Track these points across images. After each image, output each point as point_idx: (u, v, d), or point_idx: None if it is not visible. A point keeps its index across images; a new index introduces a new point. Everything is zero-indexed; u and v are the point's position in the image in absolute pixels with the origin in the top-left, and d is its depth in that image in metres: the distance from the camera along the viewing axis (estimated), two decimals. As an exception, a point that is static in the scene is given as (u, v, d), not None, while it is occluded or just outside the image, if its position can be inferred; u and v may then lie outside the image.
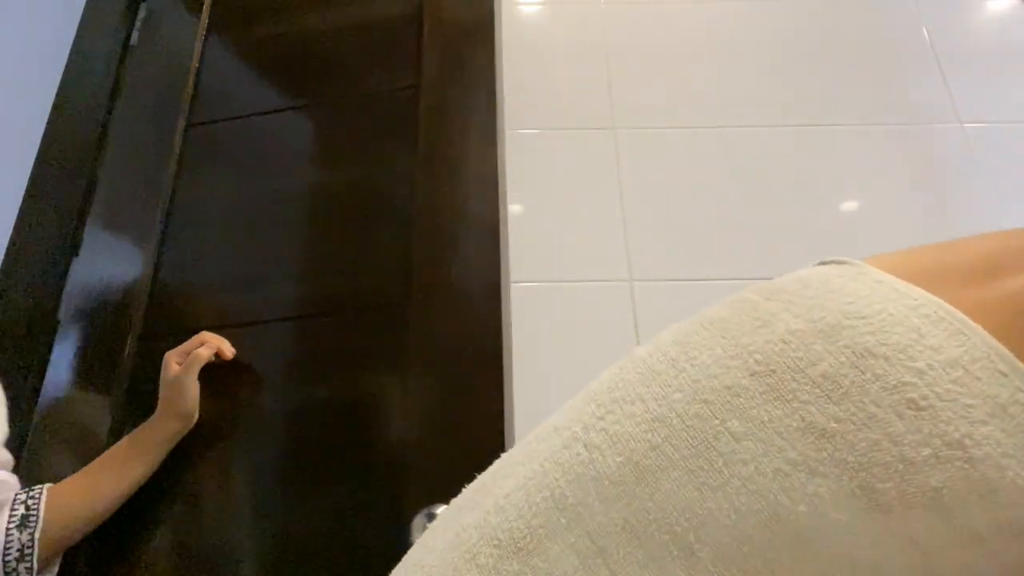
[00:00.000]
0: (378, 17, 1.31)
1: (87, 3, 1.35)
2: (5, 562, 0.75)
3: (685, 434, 0.30)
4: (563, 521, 0.31)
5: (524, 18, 1.35)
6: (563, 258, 1.14)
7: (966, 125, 1.24)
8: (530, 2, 1.38)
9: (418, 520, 0.85)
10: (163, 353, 0.95)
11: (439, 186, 1.13)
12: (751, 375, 0.30)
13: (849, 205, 1.19)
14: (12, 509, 0.77)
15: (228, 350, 0.97)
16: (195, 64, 1.29)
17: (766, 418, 0.29)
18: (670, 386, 0.32)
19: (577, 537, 0.31)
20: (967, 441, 0.27)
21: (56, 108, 1.24)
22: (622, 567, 0.29)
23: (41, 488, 0.81)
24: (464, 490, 0.39)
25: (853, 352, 0.29)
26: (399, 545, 0.84)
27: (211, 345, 0.95)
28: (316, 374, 1.04)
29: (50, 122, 1.22)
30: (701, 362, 0.32)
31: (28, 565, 0.75)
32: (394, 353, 1.02)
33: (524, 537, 0.32)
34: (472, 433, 0.97)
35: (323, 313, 1.07)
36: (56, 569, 0.83)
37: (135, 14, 1.38)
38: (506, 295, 1.08)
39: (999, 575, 0.28)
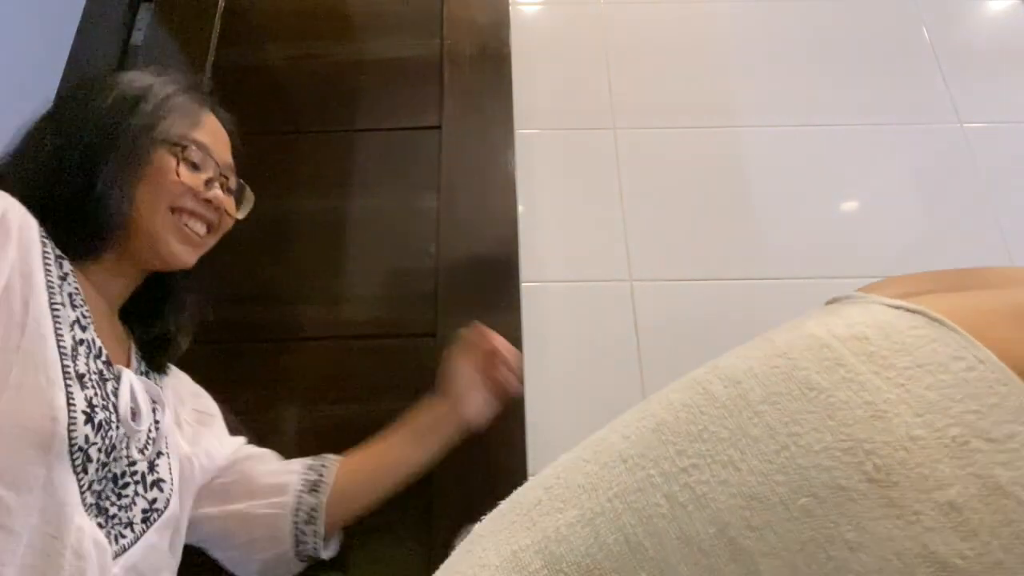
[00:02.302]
0: (399, 55, 1.32)
1: (87, 3, 1.35)
2: (295, 523, 0.79)
3: (791, 525, 0.29)
4: (643, 574, 0.30)
5: (524, 19, 1.35)
6: (563, 258, 1.14)
7: (966, 125, 1.24)
8: (530, 3, 1.38)
9: (464, 534, 0.85)
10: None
11: (459, 220, 1.14)
12: (868, 481, 0.29)
13: (849, 205, 1.19)
14: (304, 475, 0.82)
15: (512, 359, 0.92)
16: (208, 75, 1.29)
17: (884, 535, 0.28)
18: (771, 463, 0.31)
19: None
20: None
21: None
22: None
23: (333, 458, 0.85)
24: (510, 500, 0.38)
25: (984, 485, 0.28)
26: (428, 562, 0.86)
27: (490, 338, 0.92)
28: (343, 394, 1.04)
29: (50, 122, 1.22)
30: (806, 444, 0.31)
31: (315, 528, 0.80)
32: (420, 377, 1.02)
33: None
34: (498, 452, 0.98)
35: (350, 336, 1.07)
36: (337, 545, 0.86)
37: (135, 14, 1.37)
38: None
39: None
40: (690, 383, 0.36)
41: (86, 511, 0.57)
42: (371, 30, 1.35)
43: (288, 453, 0.99)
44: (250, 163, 1.23)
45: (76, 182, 0.68)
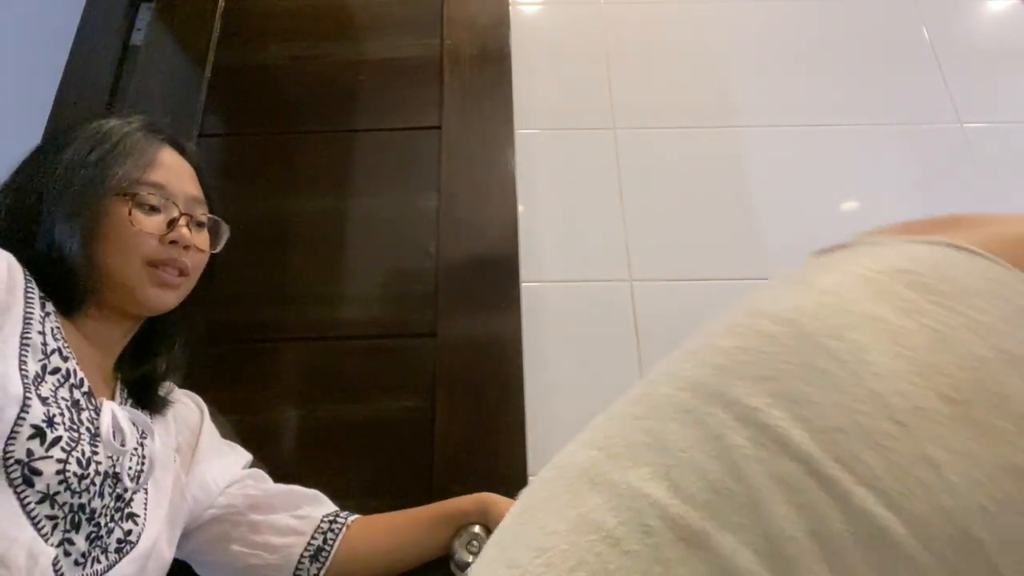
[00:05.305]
0: (399, 55, 1.31)
1: (87, 3, 1.35)
2: None
3: (877, 452, 0.29)
4: (735, 519, 0.30)
5: (524, 19, 1.35)
6: (563, 258, 1.14)
7: (966, 125, 1.24)
8: (530, 3, 1.38)
9: (464, 536, 0.85)
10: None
11: (459, 220, 1.14)
12: (945, 401, 0.29)
13: (849, 205, 1.19)
14: (312, 537, 0.82)
15: None
16: (208, 74, 1.29)
17: (964, 451, 0.28)
18: (847, 393, 0.30)
19: (755, 536, 0.29)
20: None
21: (56, 108, 1.24)
22: (807, 569, 0.28)
23: (345, 521, 0.84)
24: (556, 467, 0.36)
25: None
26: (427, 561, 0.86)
27: None
28: (343, 394, 1.04)
29: (50, 123, 1.22)
30: (879, 372, 0.30)
31: None
32: (420, 377, 1.03)
33: (686, 527, 0.30)
34: (497, 452, 0.98)
35: (349, 336, 1.07)
36: None
37: (135, 14, 1.38)
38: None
39: None
40: (734, 329, 0.35)
41: (34, 525, 0.58)
42: (371, 30, 1.35)
43: (288, 453, 1.00)
44: (250, 163, 1.24)
45: (39, 246, 0.68)
